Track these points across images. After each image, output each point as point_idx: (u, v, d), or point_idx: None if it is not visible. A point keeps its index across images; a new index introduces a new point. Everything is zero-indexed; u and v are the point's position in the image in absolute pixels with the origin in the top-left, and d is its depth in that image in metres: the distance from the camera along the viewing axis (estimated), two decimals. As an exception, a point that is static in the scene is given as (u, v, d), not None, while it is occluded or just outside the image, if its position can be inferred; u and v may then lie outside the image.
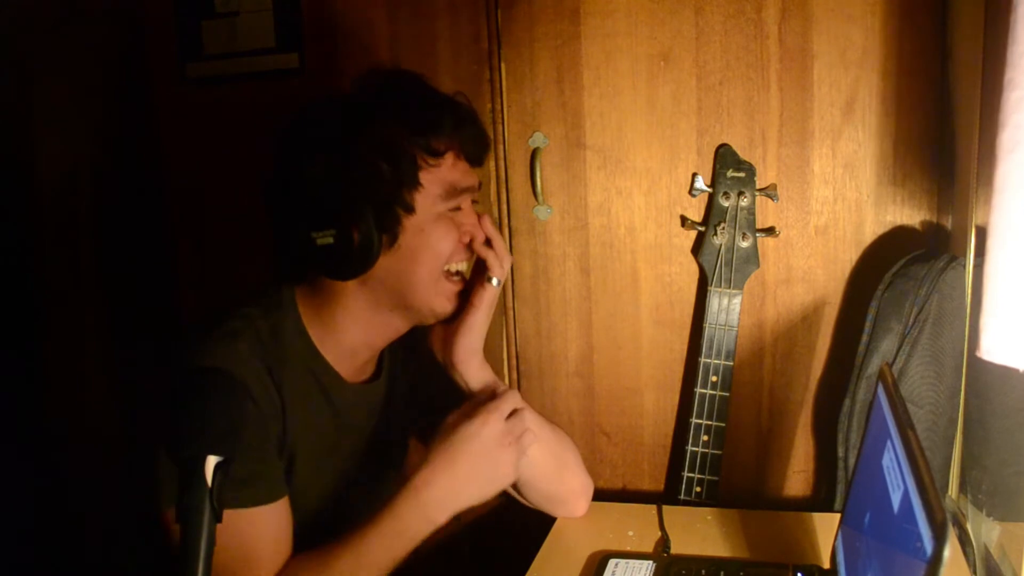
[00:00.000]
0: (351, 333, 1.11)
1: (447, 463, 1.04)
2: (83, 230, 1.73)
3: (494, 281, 1.13)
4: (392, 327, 1.13)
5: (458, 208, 1.09)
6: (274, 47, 1.58)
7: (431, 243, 1.06)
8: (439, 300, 1.10)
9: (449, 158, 1.06)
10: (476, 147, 1.10)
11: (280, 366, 1.06)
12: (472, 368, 1.16)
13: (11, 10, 1.68)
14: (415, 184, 1.03)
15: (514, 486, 1.22)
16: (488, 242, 1.13)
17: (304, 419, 1.08)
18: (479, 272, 1.14)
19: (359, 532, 1.01)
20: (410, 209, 1.04)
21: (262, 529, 1.01)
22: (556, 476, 1.26)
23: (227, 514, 0.97)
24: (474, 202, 1.14)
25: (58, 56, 1.68)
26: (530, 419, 1.13)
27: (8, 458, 1.68)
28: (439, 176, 1.05)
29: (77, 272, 1.73)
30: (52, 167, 1.72)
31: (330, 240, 1.01)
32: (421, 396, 1.28)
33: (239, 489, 0.98)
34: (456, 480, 1.04)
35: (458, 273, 1.12)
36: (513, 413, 1.09)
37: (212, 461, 0.75)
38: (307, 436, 1.09)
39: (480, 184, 1.13)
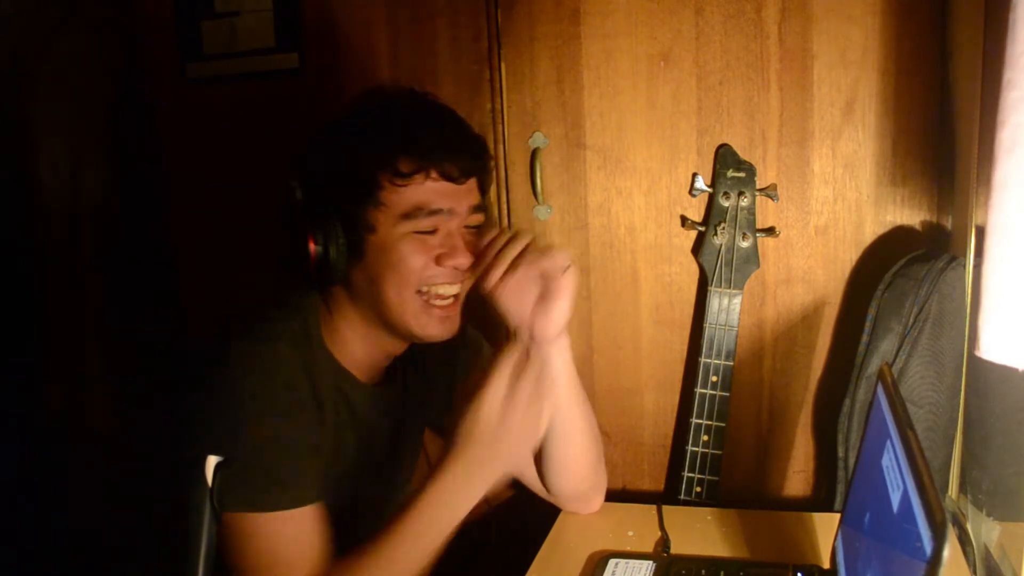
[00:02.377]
0: (354, 344, 1.12)
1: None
2: (83, 230, 1.73)
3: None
4: (390, 342, 1.14)
5: (433, 230, 1.06)
6: (274, 47, 1.58)
7: (393, 263, 1.04)
8: (419, 322, 1.07)
9: (419, 179, 1.04)
10: (459, 167, 1.06)
11: (313, 368, 1.07)
12: (561, 343, 1.12)
13: (12, 11, 1.68)
14: (376, 204, 1.03)
15: (543, 465, 1.22)
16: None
17: (329, 423, 1.09)
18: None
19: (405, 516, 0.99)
20: (370, 228, 1.04)
21: (298, 532, 1.01)
22: (593, 461, 1.25)
23: (264, 517, 0.99)
24: (474, 226, 1.10)
25: (59, 57, 1.68)
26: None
27: (8, 458, 1.68)
28: (404, 197, 1.03)
29: (77, 272, 1.73)
30: (53, 167, 1.72)
31: (300, 250, 1.03)
32: (435, 399, 1.29)
33: (278, 491, 0.99)
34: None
35: (446, 296, 1.09)
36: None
37: (212, 461, 0.75)
38: (331, 441, 1.10)
39: (478, 205, 1.10)
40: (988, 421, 1.18)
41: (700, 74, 1.42)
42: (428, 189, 1.04)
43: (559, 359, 1.14)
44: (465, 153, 1.08)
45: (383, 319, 1.08)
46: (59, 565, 1.75)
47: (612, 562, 1.14)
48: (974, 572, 1.13)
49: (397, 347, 1.16)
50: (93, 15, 1.67)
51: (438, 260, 1.06)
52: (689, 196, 1.45)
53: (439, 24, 1.50)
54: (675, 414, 1.52)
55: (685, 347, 1.50)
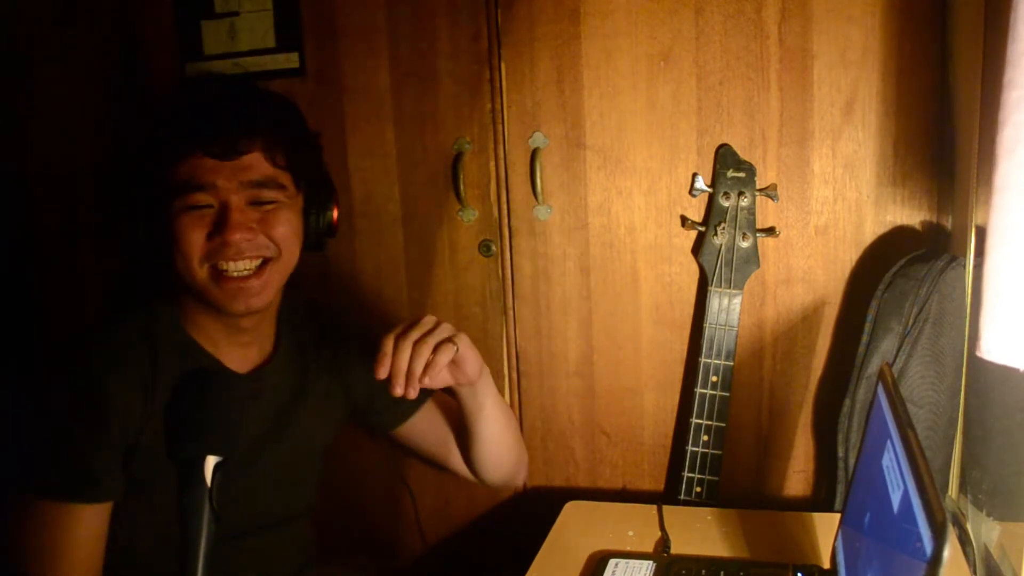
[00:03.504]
0: (202, 319, 1.15)
1: None
2: (83, 230, 1.73)
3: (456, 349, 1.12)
4: (226, 318, 1.14)
5: (209, 206, 1.07)
6: (274, 47, 1.58)
7: (174, 240, 1.07)
8: (215, 296, 1.09)
9: (186, 157, 1.06)
10: (225, 143, 1.06)
11: (153, 365, 1.09)
12: (486, 378, 1.24)
13: (11, 10, 1.68)
14: (148, 184, 1.08)
15: (474, 465, 1.34)
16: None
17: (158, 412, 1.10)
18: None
19: None
20: (144, 207, 1.10)
21: (81, 530, 1.02)
22: (515, 458, 1.38)
23: (45, 505, 1.01)
24: (267, 201, 1.10)
25: (58, 56, 1.68)
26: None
27: (8, 458, 1.67)
28: (175, 174, 1.06)
29: (77, 272, 1.73)
30: (52, 167, 1.72)
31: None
32: (364, 390, 1.32)
33: (67, 478, 1.02)
34: None
35: (239, 271, 1.10)
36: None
37: (212, 461, 0.75)
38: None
39: (263, 180, 1.09)
40: (988, 421, 1.18)
41: (700, 74, 1.42)
42: (195, 165, 1.06)
43: (485, 392, 1.25)
44: (238, 129, 1.08)
45: (192, 294, 1.11)
46: None
47: (612, 562, 1.14)
48: (974, 572, 1.13)
49: (233, 320, 1.14)
50: (93, 15, 1.67)
51: (210, 236, 1.07)
52: (689, 196, 1.45)
53: (439, 24, 1.50)
54: (675, 414, 1.52)
55: (685, 347, 1.50)
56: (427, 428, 1.36)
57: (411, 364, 1.05)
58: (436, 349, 1.08)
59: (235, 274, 1.09)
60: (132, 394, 1.06)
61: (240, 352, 1.18)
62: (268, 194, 1.10)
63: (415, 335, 1.07)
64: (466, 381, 1.18)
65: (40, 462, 1.02)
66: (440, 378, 1.14)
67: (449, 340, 1.10)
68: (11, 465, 1.02)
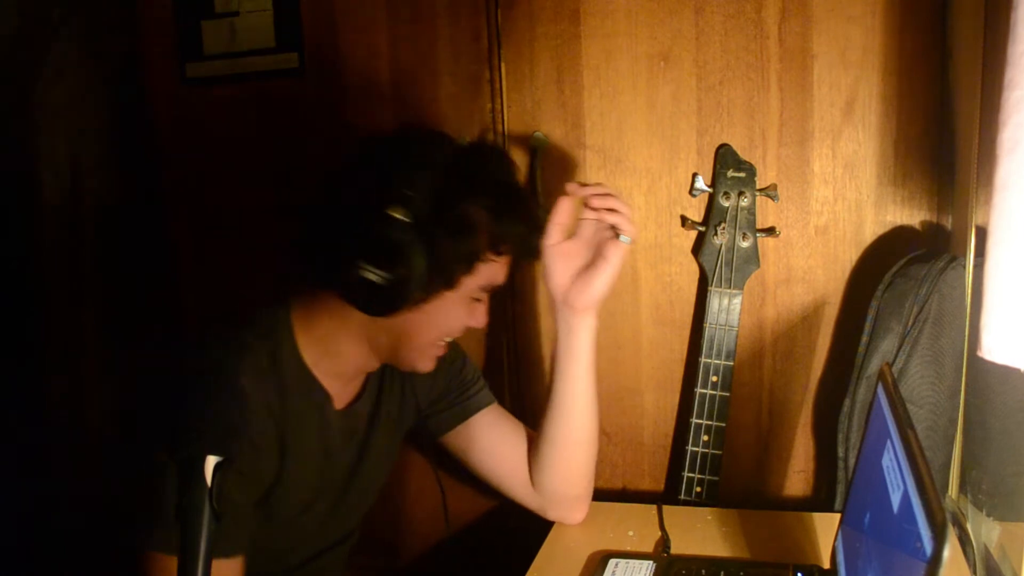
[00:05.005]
0: (342, 356, 1.12)
1: None
2: (83, 230, 1.73)
3: (625, 239, 1.17)
4: (373, 361, 1.16)
5: (480, 300, 1.12)
6: (274, 47, 1.58)
7: (445, 321, 1.09)
8: (422, 361, 1.13)
9: (504, 260, 1.10)
10: (528, 255, 1.17)
11: (281, 399, 1.07)
12: (591, 317, 1.20)
13: (12, 11, 1.68)
14: (468, 270, 1.06)
15: (540, 457, 1.26)
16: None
17: (301, 452, 1.09)
18: (605, 229, 1.19)
19: None
20: (451, 287, 1.06)
21: None
22: (588, 462, 1.28)
23: (174, 560, 0.97)
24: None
25: (58, 56, 1.68)
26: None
27: (8, 459, 1.68)
28: (488, 271, 1.09)
29: (77, 272, 1.73)
30: (52, 167, 1.72)
31: (375, 278, 1.00)
32: (426, 396, 1.29)
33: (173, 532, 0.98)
34: None
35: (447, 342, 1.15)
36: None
37: (212, 461, 0.75)
38: (300, 469, 1.10)
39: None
40: (988, 421, 1.18)
41: (700, 74, 1.42)
42: (502, 268, 1.11)
43: (585, 335, 1.20)
44: (541, 242, 1.17)
45: (394, 351, 1.11)
46: (59, 565, 1.75)
47: (612, 562, 1.14)
48: (974, 572, 1.13)
49: (377, 364, 1.17)
50: (93, 15, 1.67)
51: (469, 323, 1.13)
52: (689, 196, 1.45)
53: (439, 24, 1.50)
54: (675, 414, 1.52)
55: (685, 347, 1.50)
56: (481, 436, 1.30)
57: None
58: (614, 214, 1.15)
59: (443, 344, 1.15)
60: (268, 439, 1.05)
61: (347, 388, 1.18)
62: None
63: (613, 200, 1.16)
64: (575, 296, 1.18)
65: (166, 516, 0.99)
66: (565, 264, 1.19)
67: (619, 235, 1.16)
68: (136, 518, 0.99)
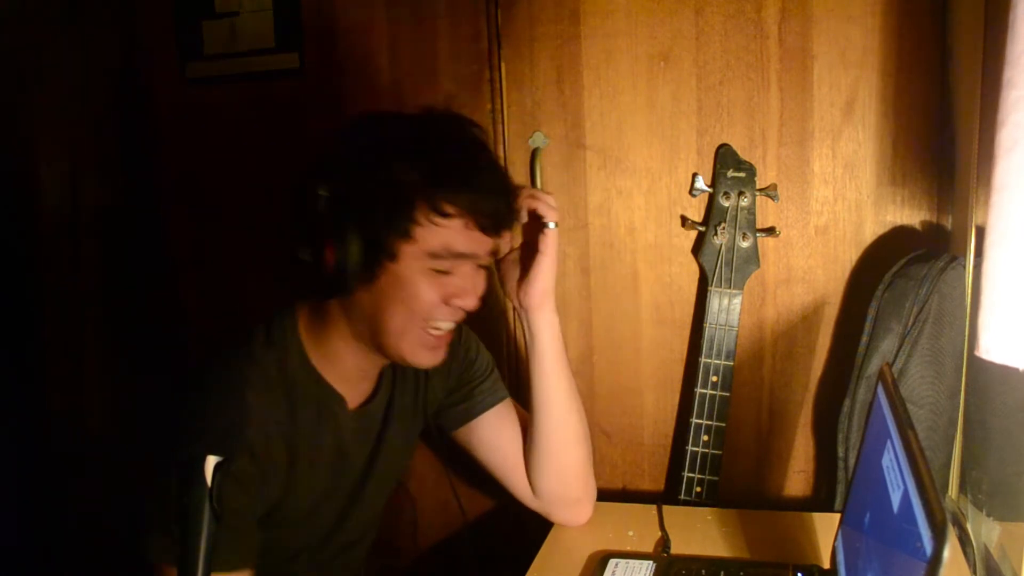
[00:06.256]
0: (345, 357, 1.11)
1: None
2: (83, 230, 1.73)
3: (551, 225, 1.16)
4: (378, 358, 1.12)
5: (449, 272, 1.05)
6: (274, 47, 1.58)
7: (405, 296, 1.03)
8: (411, 351, 1.06)
9: (456, 223, 1.02)
10: (493, 221, 1.05)
11: (291, 407, 1.06)
12: (546, 312, 1.19)
13: (12, 11, 1.68)
14: (405, 236, 1.00)
15: (532, 460, 1.25)
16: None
17: (311, 456, 1.09)
18: (536, 220, 1.17)
19: None
20: (391, 257, 1.01)
21: None
22: (583, 459, 1.26)
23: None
24: (483, 266, 1.10)
25: (58, 56, 1.68)
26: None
27: (8, 458, 1.68)
28: (436, 235, 1.01)
29: (77, 272, 1.73)
30: (52, 167, 1.72)
31: (308, 258, 1.00)
32: (438, 392, 1.28)
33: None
34: None
35: (443, 330, 1.09)
36: None
37: (212, 461, 0.75)
38: (312, 474, 1.09)
39: (495, 252, 1.11)
40: (988, 421, 1.18)
41: (700, 74, 1.42)
42: (460, 233, 1.02)
43: (546, 332, 1.19)
44: (505, 207, 1.07)
45: (376, 339, 1.07)
46: (59, 565, 1.75)
47: (612, 562, 1.14)
48: (974, 572, 1.13)
49: (384, 361, 1.15)
50: (93, 15, 1.67)
51: (447, 299, 1.05)
52: (689, 196, 1.45)
53: (439, 24, 1.50)
54: (675, 414, 1.52)
55: (685, 347, 1.50)
56: (487, 436, 1.28)
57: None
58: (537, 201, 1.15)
59: (439, 333, 1.08)
60: (276, 451, 1.04)
61: (358, 388, 1.16)
62: (490, 260, 1.11)
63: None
64: (525, 295, 1.18)
65: (169, 528, 0.96)
66: (511, 270, 1.20)
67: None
68: (145, 533, 0.98)
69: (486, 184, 1.04)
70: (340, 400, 1.13)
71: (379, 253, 1.00)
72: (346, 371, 1.12)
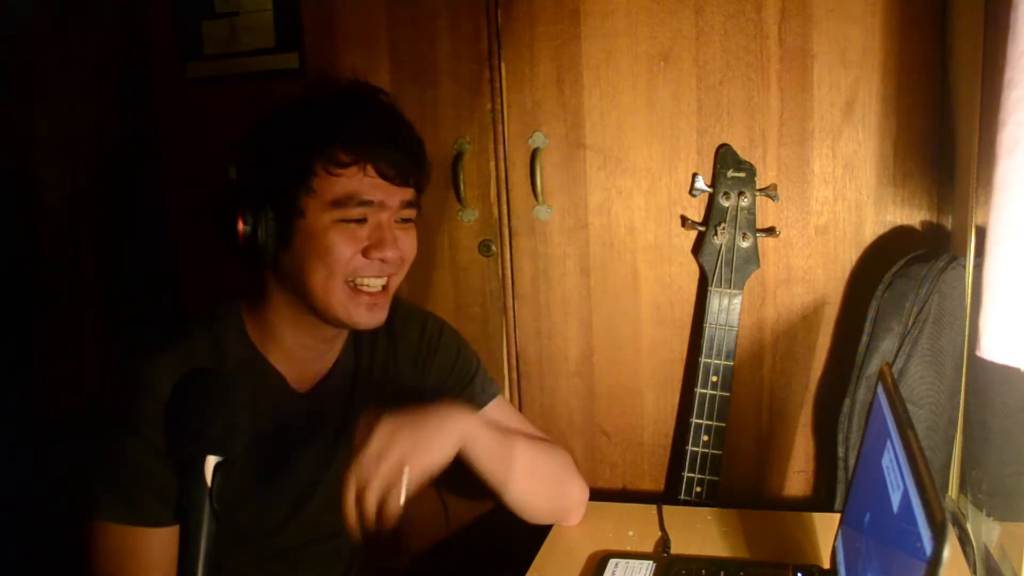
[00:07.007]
0: (285, 333, 1.12)
1: None
2: (83, 230, 1.73)
3: None
4: (321, 327, 1.12)
5: (363, 220, 1.06)
6: (274, 47, 1.58)
7: (320, 251, 1.05)
8: (344, 310, 1.07)
9: (354, 171, 1.04)
10: (394, 166, 1.06)
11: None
12: (470, 439, 1.10)
13: (11, 10, 1.68)
14: (307, 189, 1.04)
15: (515, 507, 1.22)
16: None
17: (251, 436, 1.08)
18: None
19: None
20: (300, 213, 1.05)
21: (140, 551, 1.01)
22: (557, 493, 1.27)
23: (109, 527, 1.00)
24: (405, 220, 1.12)
25: (58, 56, 1.68)
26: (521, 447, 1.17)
27: (8, 458, 1.68)
28: (337, 185, 1.04)
29: (77, 272, 1.73)
30: (52, 167, 1.72)
31: (232, 234, 1.06)
32: (414, 392, 1.26)
33: (124, 504, 1.00)
34: None
35: (373, 287, 1.09)
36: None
37: (212, 461, 0.75)
38: (251, 454, 1.07)
39: (411, 201, 1.11)
40: (988, 421, 1.18)
41: (700, 74, 1.42)
42: (361, 181, 1.05)
43: (479, 443, 1.10)
44: (405, 154, 1.09)
45: (309, 303, 1.09)
46: (59, 565, 1.75)
47: (612, 562, 1.14)
48: (974, 572, 1.13)
49: (329, 332, 1.14)
50: (93, 15, 1.67)
51: (365, 252, 1.07)
52: (689, 196, 1.45)
53: (439, 24, 1.50)
54: (675, 414, 1.52)
55: (685, 347, 1.50)
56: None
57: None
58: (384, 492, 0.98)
59: (369, 290, 1.09)
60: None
61: (305, 368, 1.16)
62: (408, 213, 1.12)
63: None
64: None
65: (109, 487, 1.01)
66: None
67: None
68: (83, 489, 1.03)
69: (381, 132, 1.07)
70: (281, 379, 1.13)
71: (288, 212, 1.04)
72: (288, 348, 1.13)
